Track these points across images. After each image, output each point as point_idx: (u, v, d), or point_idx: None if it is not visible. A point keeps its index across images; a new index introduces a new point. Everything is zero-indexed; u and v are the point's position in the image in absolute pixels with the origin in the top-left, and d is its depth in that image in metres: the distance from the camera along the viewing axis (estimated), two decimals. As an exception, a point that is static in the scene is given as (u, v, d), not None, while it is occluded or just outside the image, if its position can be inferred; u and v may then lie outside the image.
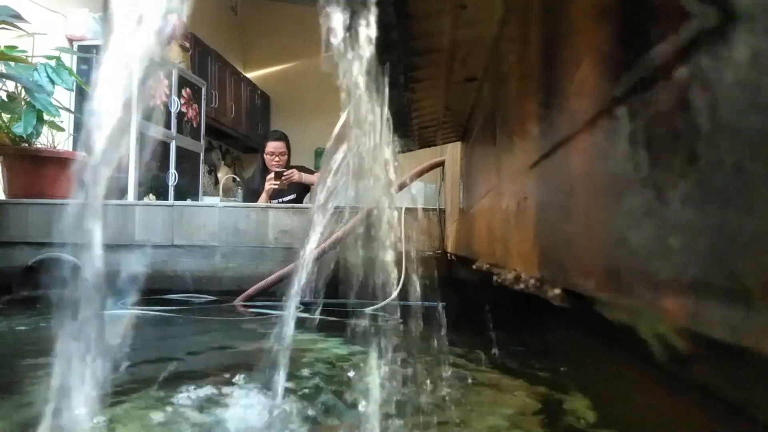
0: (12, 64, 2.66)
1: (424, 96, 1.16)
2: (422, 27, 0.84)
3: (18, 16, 2.21)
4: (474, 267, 1.12)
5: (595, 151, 0.41)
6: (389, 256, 0.78)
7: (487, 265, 0.99)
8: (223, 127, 5.97)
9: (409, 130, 1.31)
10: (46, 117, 2.90)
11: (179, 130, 4.74)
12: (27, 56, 2.71)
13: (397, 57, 0.88)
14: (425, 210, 2.72)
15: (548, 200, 0.57)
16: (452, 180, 2.15)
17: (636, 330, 0.37)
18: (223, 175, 6.21)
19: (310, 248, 1.14)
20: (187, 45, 4.97)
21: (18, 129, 2.78)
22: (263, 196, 3.85)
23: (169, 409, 0.93)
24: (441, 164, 2.66)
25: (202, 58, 5.37)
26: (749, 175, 0.20)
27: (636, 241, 0.32)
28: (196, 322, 2.09)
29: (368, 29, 0.66)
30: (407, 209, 2.67)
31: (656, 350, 0.34)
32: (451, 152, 2.16)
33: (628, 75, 0.33)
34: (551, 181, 0.56)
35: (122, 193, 3.97)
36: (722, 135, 0.22)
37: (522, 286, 0.65)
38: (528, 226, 0.64)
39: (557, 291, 0.54)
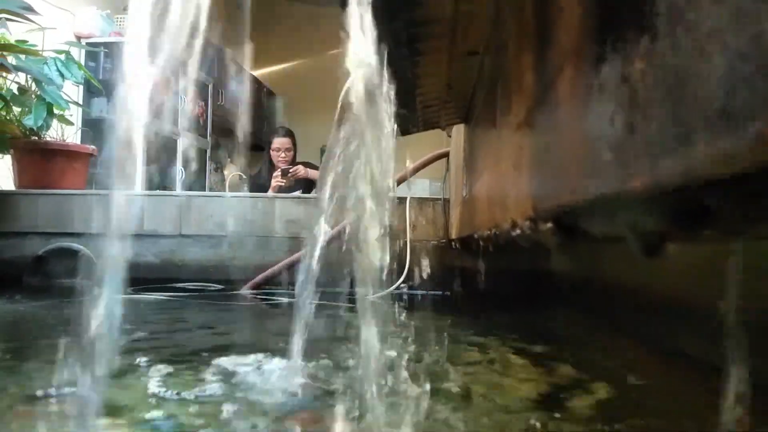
0: (23, 57, 2.70)
1: (427, 72, 1.19)
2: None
3: (29, 8, 2.25)
4: (475, 236, 1.15)
5: (577, 94, 0.44)
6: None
7: (487, 231, 1.02)
8: (230, 125, 6.01)
9: (413, 108, 1.34)
10: (55, 110, 2.94)
11: (186, 127, 4.79)
12: (37, 50, 2.76)
13: (402, 25, 0.91)
14: (430, 200, 2.75)
15: (540, 142, 0.60)
16: (456, 168, 2.18)
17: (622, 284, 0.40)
18: (230, 172, 6.24)
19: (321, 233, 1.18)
20: (194, 43, 5.01)
21: (29, 121, 2.82)
22: (270, 192, 3.89)
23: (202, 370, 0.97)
24: (445, 155, 2.68)
25: (208, 55, 5.40)
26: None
27: (606, 145, 0.35)
28: (207, 306, 2.13)
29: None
30: (413, 199, 2.71)
31: (633, 244, 0.37)
32: (456, 140, 2.19)
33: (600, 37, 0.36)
34: (543, 127, 0.59)
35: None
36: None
37: (518, 231, 0.68)
38: (524, 173, 0.67)
39: (549, 225, 0.57)
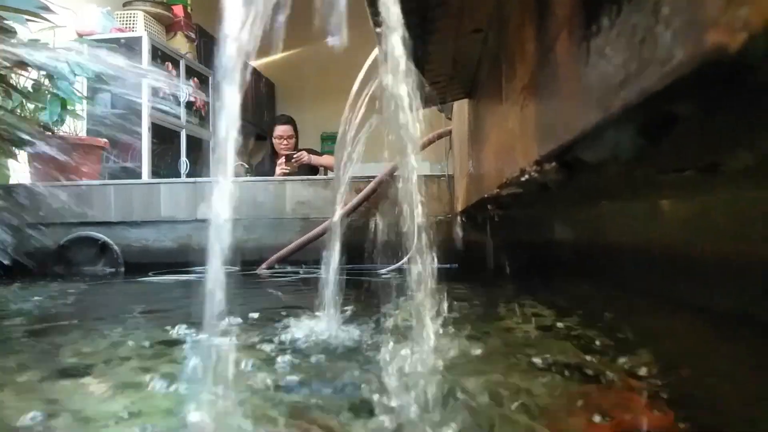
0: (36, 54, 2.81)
1: (435, 50, 1.31)
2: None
3: (46, 8, 2.36)
4: (486, 196, 1.28)
5: (570, 53, 0.56)
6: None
7: (497, 189, 1.14)
8: (230, 116, 6.11)
9: (422, 84, 1.45)
10: (68, 106, 3.06)
11: (189, 119, 4.89)
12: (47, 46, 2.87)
13: (414, 6, 1.03)
14: (435, 177, 2.87)
15: (542, 98, 0.72)
16: (460, 144, 2.30)
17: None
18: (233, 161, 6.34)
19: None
20: (193, 35, 5.11)
21: (44, 117, 2.93)
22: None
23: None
24: (448, 134, 2.80)
25: (208, 48, 5.50)
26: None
27: (591, 88, 0.47)
28: (230, 284, 2.25)
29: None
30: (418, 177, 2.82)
31: (620, 157, 0.50)
32: (458, 119, 2.31)
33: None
34: (543, 86, 0.71)
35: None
36: None
37: (526, 176, 0.80)
38: (528, 127, 0.79)
39: (552, 164, 0.69)
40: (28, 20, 2.34)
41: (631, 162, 0.52)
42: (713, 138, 0.49)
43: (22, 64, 2.46)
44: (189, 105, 4.90)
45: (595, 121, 0.49)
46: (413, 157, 0.91)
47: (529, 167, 0.79)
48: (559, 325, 1.12)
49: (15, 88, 2.58)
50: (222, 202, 0.69)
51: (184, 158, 4.78)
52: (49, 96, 2.92)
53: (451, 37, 1.24)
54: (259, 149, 6.05)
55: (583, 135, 0.53)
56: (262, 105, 6.96)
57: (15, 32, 2.35)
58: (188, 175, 4.77)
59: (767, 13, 0.28)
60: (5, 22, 2.34)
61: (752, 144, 0.51)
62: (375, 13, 0.84)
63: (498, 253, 2.56)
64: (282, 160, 4.20)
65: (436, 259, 0.89)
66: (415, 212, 0.88)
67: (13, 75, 2.77)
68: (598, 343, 0.94)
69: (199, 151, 5.02)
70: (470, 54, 1.37)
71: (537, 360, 0.84)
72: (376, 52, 1.17)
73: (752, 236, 1.02)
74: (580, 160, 0.62)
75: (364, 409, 0.65)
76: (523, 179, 0.83)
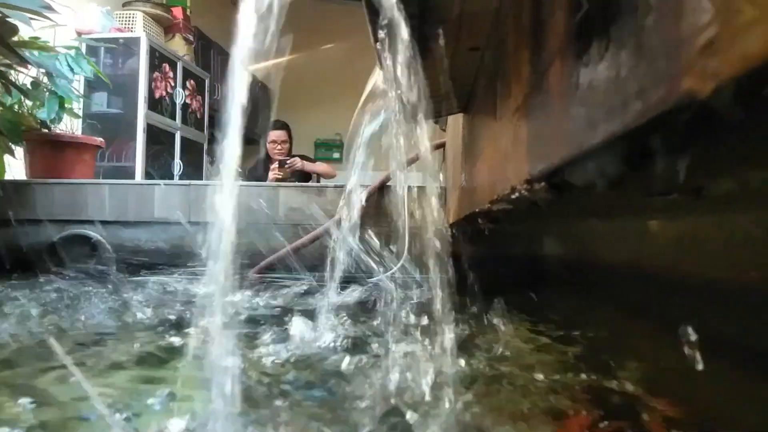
0: (36, 53, 2.83)
1: (433, 65, 1.35)
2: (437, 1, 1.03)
3: (49, 7, 2.39)
4: (477, 210, 1.32)
5: (562, 84, 0.60)
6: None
7: (488, 204, 1.18)
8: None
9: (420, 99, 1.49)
10: (66, 104, 3.08)
11: (184, 121, 4.92)
12: (51, 46, 2.89)
13: (416, 27, 1.07)
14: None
15: (533, 121, 0.76)
16: (454, 157, 2.34)
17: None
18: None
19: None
20: (191, 38, 5.14)
21: (42, 114, 2.95)
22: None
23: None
24: (442, 146, 2.84)
25: (205, 51, 5.54)
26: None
27: (579, 117, 0.51)
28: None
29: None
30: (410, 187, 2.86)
31: (601, 184, 0.53)
32: (452, 131, 2.35)
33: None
34: (536, 110, 0.75)
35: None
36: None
37: (516, 194, 0.84)
38: (520, 147, 0.83)
39: (542, 184, 0.73)
40: (31, 19, 2.36)
41: (616, 186, 0.55)
42: (695, 166, 0.53)
43: (23, 62, 2.48)
44: (185, 107, 4.93)
45: (581, 149, 0.53)
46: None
47: (519, 185, 0.83)
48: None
49: (15, 85, 2.60)
50: (225, 205, 0.73)
51: (177, 160, 4.80)
52: (47, 94, 2.94)
53: (449, 55, 1.28)
54: (251, 153, 6.07)
55: (570, 160, 0.57)
56: (257, 109, 7.00)
57: (18, 30, 2.37)
58: (181, 177, 4.79)
59: (735, 65, 0.32)
60: (8, 19, 2.36)
61: (732, 172, 0.55)
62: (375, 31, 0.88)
63: (487, 265, 2.59)
64: (275, 165, 4.24)
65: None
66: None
67: (12, 72, 2.79)
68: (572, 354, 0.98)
69: (192, 153, 5.04)
70: (467, 71, 1.41)
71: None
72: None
73: (738, 259, 1.07)
74: (567, 182, 0.65)
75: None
76: (513, 197, 0.86)
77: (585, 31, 0.52)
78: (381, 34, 0.99)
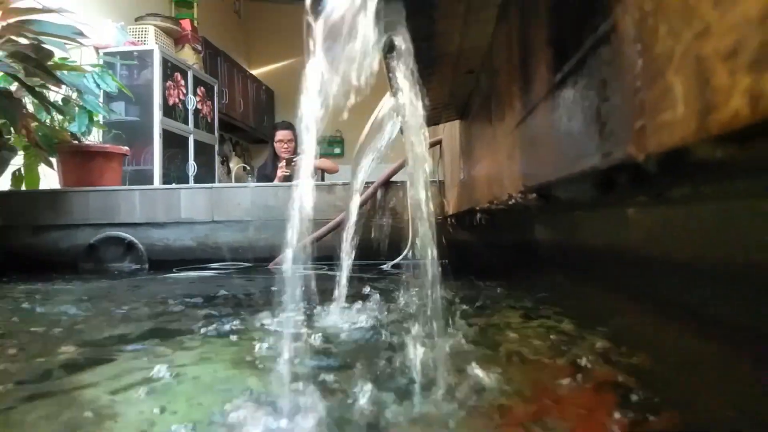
0: (65, 72, 3.08)
1: (434, 86, 1.60)
2: (439, 42, 1.28)
3: (81, 33, 2.63)
4: (477, 208, 1.57)
5: (550, 116, 0.85)
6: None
7: (487, 204, 1.43)
8: (233, 121, 6.42)
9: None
10: (94, 118, 3.33)
11: (196, 125, 5.17)
12: (79, 66, 3.14)
13: (419, 59, 1.32)
14: (431, 182, 3.14)
15: (526, 143, 1.01)
16: (452, 155, 2.58)
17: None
18: (235, 164, 6.66)
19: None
20: (199, 48, 5.38)
21: (73, 128, 3.20)
22: (275, 181, 4.27)
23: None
24: (438, 143, 3.09)
25: (213, 59, 5.79)
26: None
27: (565, 148, 0.76)
28: (248, 277, 2.55)
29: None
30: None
31: (584, 197, 0.79)
32: (449, 131, 2.59)
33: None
34: (528, 134, 1.00)
35: (149, 183, 4.40)
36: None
37: (512, 201, 1.09)
38: (516, 162, 1.08)
39: (533, 195, 0.98)
40: (66, 44, 2.61)
41: (594, 199, 0.80)
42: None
43: (58, 82, 2.73)
44: (196, 112, 5.17)
45: (563, 175, 0.78)
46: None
47: (515, 194, 1.08)
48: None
49: (51, 103, 2.85)
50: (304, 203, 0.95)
51: (192, 161, 5.05)
52: (77, 109, 3.19)
53: (448, 78, 1.53)
54: (258, 152, 6.31)
55: (555, 181, 0.82)
56: (262, 111, 7.25)
57: (53, 55, 2.62)
58: (195, 177, 5.04)
59: (654, 147, 0.56)
60: (44, 45, 2.60)
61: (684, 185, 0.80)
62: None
63: (484, 252, 2.85)
64: (283, 163, 4.48)
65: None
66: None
67: (44, 90, 3.04)
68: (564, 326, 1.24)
69: (205, 154, 5.30)
70: (464, 88, 1.66)
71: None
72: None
73: (701, 243, 1.31)
74: (554, 195, 0.90)
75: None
76: (510, 202, 1.12)
77: (564, 84, 0.77)
78: (392, 62, 1.22)
